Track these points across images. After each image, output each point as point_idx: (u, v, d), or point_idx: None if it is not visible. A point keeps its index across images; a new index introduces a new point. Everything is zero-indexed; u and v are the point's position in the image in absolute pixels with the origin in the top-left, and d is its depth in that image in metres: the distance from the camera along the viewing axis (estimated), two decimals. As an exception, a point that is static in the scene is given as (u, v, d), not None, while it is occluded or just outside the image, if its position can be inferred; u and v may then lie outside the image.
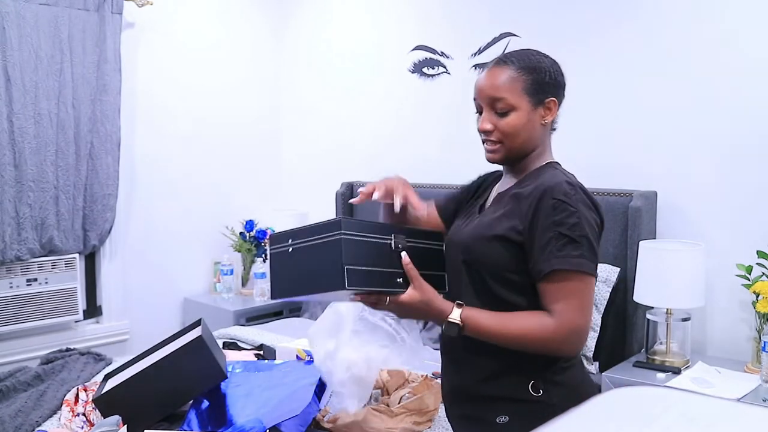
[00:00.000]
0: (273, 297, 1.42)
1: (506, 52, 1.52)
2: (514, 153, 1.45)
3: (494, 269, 1.39)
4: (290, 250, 1.36)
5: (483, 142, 1.46)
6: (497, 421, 1.38)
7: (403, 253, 1.35)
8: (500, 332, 1.33)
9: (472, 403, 1.44)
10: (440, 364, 1.56)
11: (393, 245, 1.35)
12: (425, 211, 1.55)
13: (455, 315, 1.33)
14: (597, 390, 1.52)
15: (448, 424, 1.86)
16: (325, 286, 1.30)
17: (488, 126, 1.42)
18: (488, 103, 1.42)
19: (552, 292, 1.32)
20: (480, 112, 1.45)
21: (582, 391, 1.40)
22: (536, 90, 1.42)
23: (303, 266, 1.33)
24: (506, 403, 1.38)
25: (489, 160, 1.48)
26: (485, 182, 1.63)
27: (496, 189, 1.54)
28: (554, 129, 1.50)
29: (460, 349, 1.44)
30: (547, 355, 1.35)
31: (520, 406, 1.37)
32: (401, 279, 1.34)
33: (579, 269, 1.31)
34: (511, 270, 1.38)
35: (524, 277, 1.37)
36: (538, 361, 1.36)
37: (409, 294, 1.33)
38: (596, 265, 1.35)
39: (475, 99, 1.46)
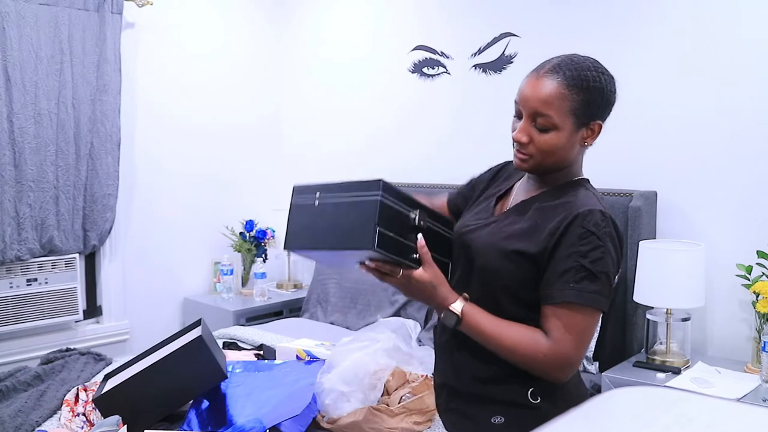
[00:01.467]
0: (286, 247, 1.38)
1: (563, 57, 1.40)
2: (544, 168, 1.39)
3: (506, 281, 1.35)
4: (317, 203, 1.33)
5: (514, 147, 1.38)
6: (492, 421, 1.36)
7: (420, 235, 1.33)
8: (494, 337, 1.31)
9: (464, 400, 1.42)
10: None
11: (417, 221, 1.33)
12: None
13: (457, 306, 1.32)
14: (587, 397, 1.50)
15: (448, 424, 1.85)
16: (351, 243, 1.26)
17: (524, 138, 1.34)
18: (529, 114, 1.34)
19: (556, 320, 1.29)
20: (519, 116, 1.36)
21: (581, 401, 1.37)
22: (584, 112, 1.33)
23: (328, 221, 1.31)
24: (503, 406, 1.36)
25: (516, 167, 1.42)
26: (503, 171, 1.57)
27: (519, 191, 1.47)
28: (591, 144, 1.42)
29: (455, 349, 1.42)
30: (531, 373, 1.32)
31: (518, 411, 1.35)
32: (416, 255, 1.32)
33: (591, 305, 1.28)
34: (522, 285, 1.34)
35: (533, 294, 1.33)
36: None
37: (421, 272, 1.31)
38: (608, 297, 1.31)
39: (516, 102, 1.37)
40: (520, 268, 1.33)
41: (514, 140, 1.36)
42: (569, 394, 1.37)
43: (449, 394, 1.47)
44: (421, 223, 1.34)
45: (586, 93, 1.33)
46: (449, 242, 1.46)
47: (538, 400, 1.33)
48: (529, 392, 1.34)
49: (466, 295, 1.35)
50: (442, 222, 1.45)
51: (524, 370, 1.32)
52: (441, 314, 1.34)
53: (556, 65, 1.37)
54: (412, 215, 1.33)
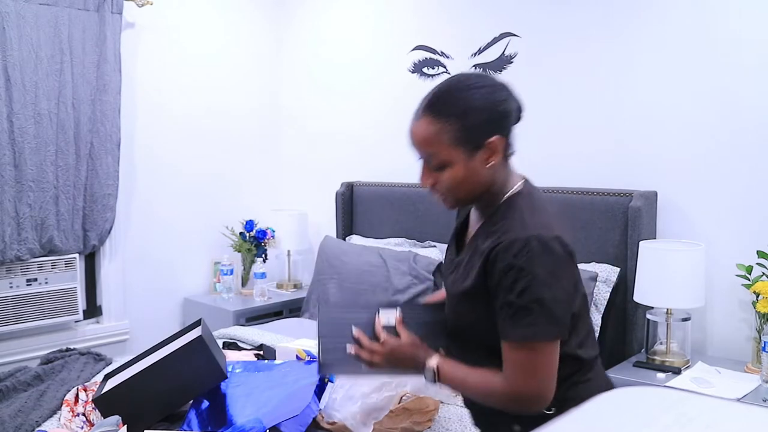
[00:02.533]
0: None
1: (433, 91, 1.33)
2: (465, 200, 1.38)
3: (467, 325, 1.38)
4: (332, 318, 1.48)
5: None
6: (513, 428, 1.37)
7: (381, 315, 1.44)
8: (462, 385, 1.36)
9: (487, 413, 1.43)
10: None
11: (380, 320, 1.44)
12: None
13: (432, 362, 1.36)
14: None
15: (448, 424, 1.87)
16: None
17: (428, 183, 1.34)
18: (421, 157, 1.33)
19: (504, 357, 1.29)
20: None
21: None
22: (468, 137, 1.28)
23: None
24: (519, 418, 1.35)
25: (446, 208, 1.41)
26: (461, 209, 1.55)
27: (472, 221, 1.44)
28: (512, 154, 1.38)
29: (469, 356, 1.44)
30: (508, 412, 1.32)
31: (534, 420, 1.35)
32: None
33: (529, 338, 1.24)
34: (482, 327, 1.34)
35: (495, 335, 1.30)
36: (558, 378, 1.32)
37: (397, 340, 1.39)
38: (562, 325, 1.27)
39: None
40: (472, 309, 1.35)
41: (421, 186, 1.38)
42: (585, 397, 1.34)
43: (477, 409, 1.50)
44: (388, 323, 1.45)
45: (461, 118, 1.28)
46: (441, 325, 1.49)
47: (552, 411, 1.31)
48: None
49: (441, 350, 1.39)
50: (433, 309, 1.53)
51: None
52: (423, 374, 1.38)
53: (427, 101, 1.33)
54: (374, 315, 1.45)
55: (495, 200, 1.36)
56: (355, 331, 1.42)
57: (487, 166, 1.31)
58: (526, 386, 1.27)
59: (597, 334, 2.53)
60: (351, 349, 1.41)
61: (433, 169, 1.33)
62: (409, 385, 2.03)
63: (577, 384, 1.36)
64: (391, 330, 1.42)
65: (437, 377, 1.35)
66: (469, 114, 1.28)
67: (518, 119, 1.37)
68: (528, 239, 1.24)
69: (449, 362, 1.36)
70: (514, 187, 1.37)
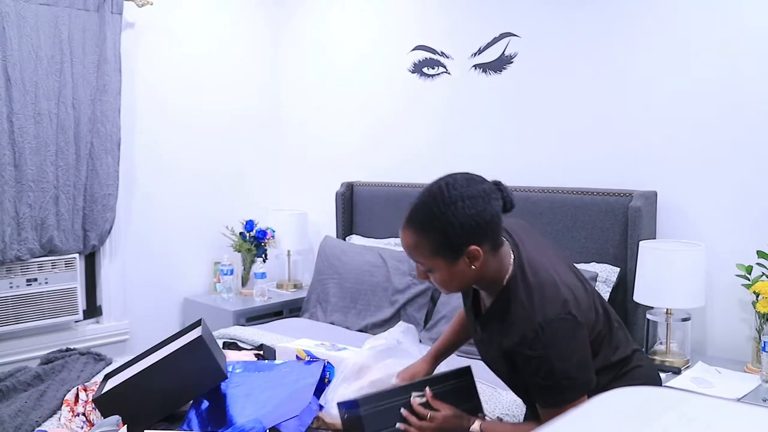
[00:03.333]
0: None
1: (415, 203, 1.42)
2: (461, 290, 1.53)
3: (517, 377, 1.49)
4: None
5: None
6: None
7: (427, 389, 1.63)
8: None
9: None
10: None
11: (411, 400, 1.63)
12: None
13: (476, 427, 1.53)
14: (659, 380, 1.67)
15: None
16: None
17: (422, 278, 1.46)
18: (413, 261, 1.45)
19: (540, 413, 1.44)
20: None
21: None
22: (446, 248, 1.36)
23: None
24: None
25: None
26: None
27: (485, 299, 1.55)
28: (500, 245, 1.43)
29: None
30: None
31: None
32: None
33: (560, 405, 1.38)
34: (520, 379, 1.49)
35: None
36: (602, 383, 1.45)
37: (438, 414, 1.56)
38: (588, 382, 1.39)
39: None
40: (504, 368, 1.50)
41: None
42: (636, 384, 1.48)
43: None
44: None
45: (437, 233, 1.35)
46: (469, 387, 1.74)
47: None
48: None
49: (481, 415, 1.60)
50: (456, 376, 1.74)
51: None
52: None
53: (409, 214, 1.41)
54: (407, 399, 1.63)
55: (496, 284, 1.46)
56: (404, 412, 1.59)
57: (473, 268, 1.39)
58: None
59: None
60: (401, 426, 1.58)
61: (423, 270, 1.44)
62: None
63: (627, 374, 1.51)
64: (427, 406, 1.59)
65: None
66: (446, 229, 1.35)
67: (507, 209, 1.44)
68: (535, 329, 1.35)
69: (492, 425, 1.57)
70: (510, 270, 1.44)
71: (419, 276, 1.47)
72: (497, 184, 1.43)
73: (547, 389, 1.38)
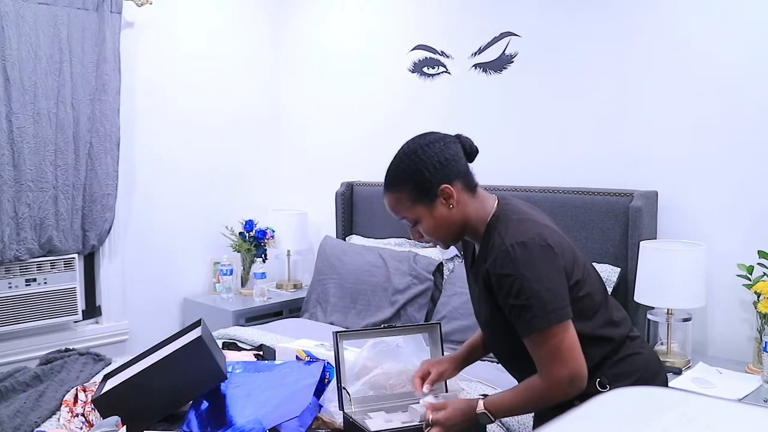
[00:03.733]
0: None
1: (387, 171, 1.57)
2: (453, 239, 1.58)
3: (511, 334, 1.51)
4: None
5: None
6: (574, 404, 1.45)
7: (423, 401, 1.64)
8: (516, 407, 1.53)
9: (553, 410, 1.53)
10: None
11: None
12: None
13: (481, 406, 1.52)
14: (661, 369, 1.66)
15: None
16: None
17: (417, 237, 1.58)
18: (401, 220, 1.57)
19: (533, 354, 1.46)
20: None
21: (647, 375, 1.54)
22: (421, 194, 1.50)
23: None
24: (578, 398, 1.46)
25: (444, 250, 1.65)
26: (463, 245, 1.73)
27: (476, 251, 1.61)
28: (475, 186, 1.56)
29: (519, 379, 1.60)
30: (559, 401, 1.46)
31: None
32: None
33: (539, 329, 1.41)
34: (520, 342, 1.49)
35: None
36: (595, 359, 1.49)
37: (438, 414, 1.55)
38: (560, 308, 1.41)
39: None
40: (503, 330, 1.52)
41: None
42: (633, 370, 1.52)
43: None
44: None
45: (410, 182, 1.51)
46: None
47: (607, 388, 1.47)
48: (596, 383, 1.49)
49: (480, 395, 1.58)
50: None
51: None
52: (480, 420, 1.54)
53: (384, 180, 1.57)
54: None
55: (479, 229, 1.55)
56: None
57: (450, 208, 1.51)
58: (558, 372, 1.42)
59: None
60: None
61: (413, 226, 1.56)
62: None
63: (623, 359, 1.52)
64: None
65: (491, 417, 1.52)
66: (415, 176, 1.50)
67: (470, 153, 1.57)
68: (506, 248, 1.43)
69: (492, 398, 1.54)
70: (492, 212, 1.55)
71: (414, 237, 1.59)
72: (456, 135, 1.59)
73: (521, 312, 1.41)
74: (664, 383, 1.67)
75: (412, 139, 1.57)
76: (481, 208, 1.55)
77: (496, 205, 1.56)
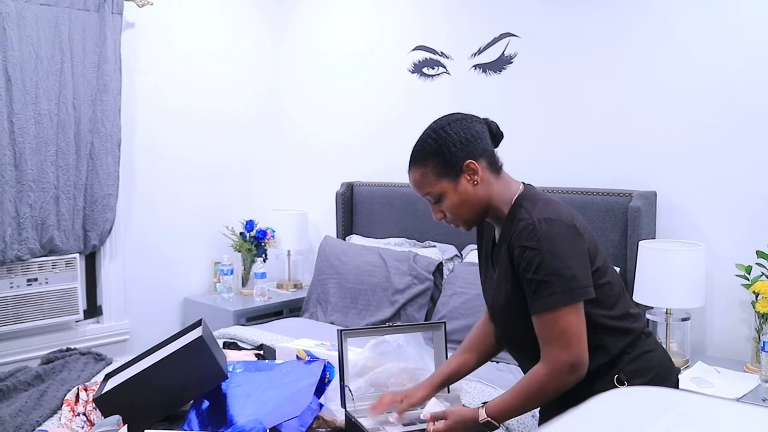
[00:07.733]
0: None
1: (413, 149, 1.58)
2: (475, 219, 1.56)
3: (526, 320, 1.49)
4: None
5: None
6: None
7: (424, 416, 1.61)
8: (520, 406, 1.49)
9: (562, 403, 1.49)
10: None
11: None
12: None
13: (483, 415, 1.50)
14: (673, 368, 1.65)
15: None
16: None
17: (439, 216, 1.57)
18: (423, 197, 1.57)
19: (539, 334, 1.45)
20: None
21: (663, 372, 1.53)
22: (447, 169, 1.50)
23: None
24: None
25: (465, 231, 1.62)
26: (482, 228, 1.71)
27: (497, 237, 1.60)
28: (500, 167, 1.56)
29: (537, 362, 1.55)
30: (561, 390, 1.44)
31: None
32: None
33: (551, 307, 1.40)
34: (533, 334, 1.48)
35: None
36: (614, 350, 1.48)
37: (442, 423, 1.53)
38: (581, 287, 1.41)
39: None
40: (519, 315, 1.50)
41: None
42: (650, 367, 1.51)
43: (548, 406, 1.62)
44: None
45: (436, 156, 1.51)
46: None
47: (626, 384, 1.45)
48: (615, 379, 1.48)
49: (480, 403, 1.55)
50: None
51: (601, 365, 1.47)
52: (485, 429, 1.52)
53: (410, 156, 1.58)
54: None
55: (502, 210, 1.54)
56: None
57: (475, 185, 1.51)
58: (561, 356, 1.41)
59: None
60: None
61: (435, 204, 1.55)
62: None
63: (640, 356, 1.50)
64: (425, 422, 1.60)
65: (496, 423, 1.50)
66: (441, 149, 1.51)
67: (496, 136, 1.57)
68: (533, 222, 1.42)
69: (492, 403, 1.51)
70: (517, 194, 1.54)
71: (436, 216, 1.57)
72: (483, 118, 1.58)
73: (538, 287, 1.40)
74: (677, 382, 1.66)
75: (439, 118, 1.57)
76: (505, 189, 1.55)
77: (521, 187, 1.56)
